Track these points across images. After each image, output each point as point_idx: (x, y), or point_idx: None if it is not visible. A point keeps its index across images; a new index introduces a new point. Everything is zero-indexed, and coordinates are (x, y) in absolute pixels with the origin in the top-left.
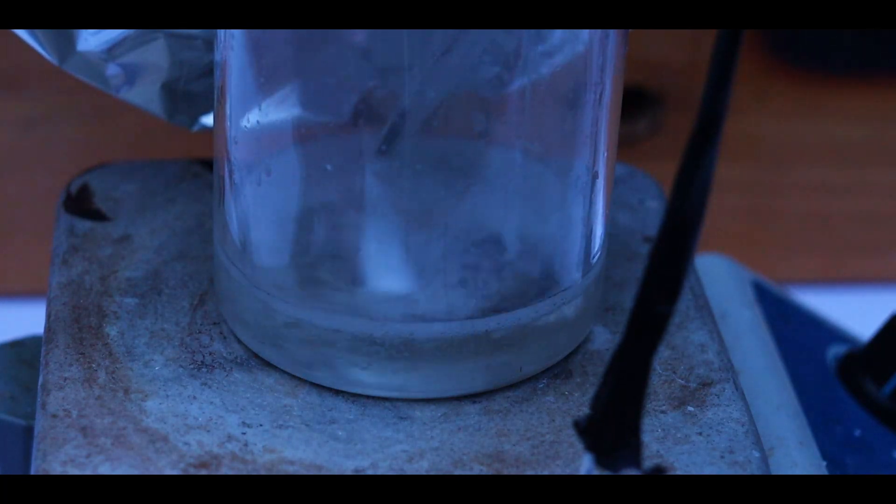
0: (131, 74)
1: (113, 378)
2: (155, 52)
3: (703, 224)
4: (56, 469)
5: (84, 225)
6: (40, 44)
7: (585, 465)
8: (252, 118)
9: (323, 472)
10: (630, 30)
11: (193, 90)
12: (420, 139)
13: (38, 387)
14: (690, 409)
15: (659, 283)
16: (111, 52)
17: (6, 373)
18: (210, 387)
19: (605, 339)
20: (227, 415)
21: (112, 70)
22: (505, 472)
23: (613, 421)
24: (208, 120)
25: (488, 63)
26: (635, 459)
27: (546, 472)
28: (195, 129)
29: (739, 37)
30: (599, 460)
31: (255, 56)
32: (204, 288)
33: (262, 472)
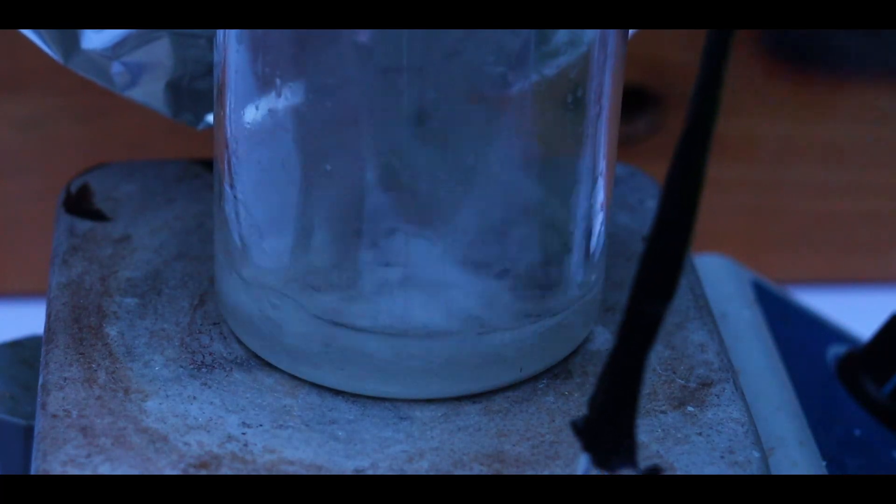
0: (136, 73)
1: (113, 378)
2: (159, 50)
3: (696, 224)
4: (56, 469)
5: (84, 225)
6: (45, 42)
7: (582, 465)
8: (252, 118)
9: (323, 472)
10: (631, 30)
11: (198, 88)
12: (420, 140)
13: (38, 387)
14: (690, 409)
15: (651, 284)
16: (115, 50)
17: (6, 373)
18: (210, 387)
19: (605, 339)
20: (227, 415)
21: (116, 68)
22: (505, 472)
23: (609, 422)
24: None
25: (490, 63)
26: (631, 460)
27: (546, 472)
28: (200, 127)
29: (730, 36)
30: (596, 460)
31: (254, 56)
32: (204, 288)
33: (262, 473)
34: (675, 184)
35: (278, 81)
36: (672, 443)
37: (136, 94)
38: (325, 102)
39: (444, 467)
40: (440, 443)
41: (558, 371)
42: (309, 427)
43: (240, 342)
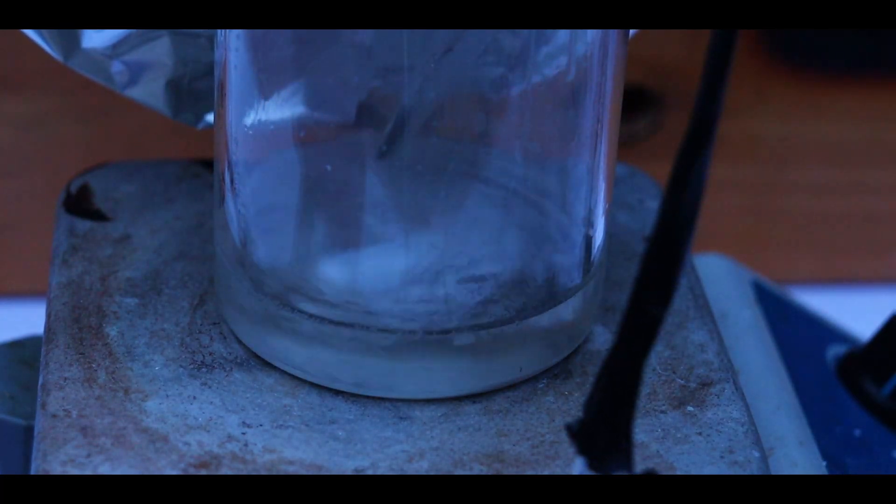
0: (136, 72)
1: (113, 378)
2: (159, 49)
3: (697, 225)
4: (56, 469)
5: (84, 225)
6: (45, 41)
7: (578, 467)
8: (252, 118)
9: (323, 472)
10: (632, 31)
11: (198, 88)
12: (421, 140)
13: (38, 387)
14: (690, 409)
15: (652, 285)
16: (115, 49)
17: (6, 373)
18: (210, 387)
19: (605, 339)
20: (227, 415)
21: (117, 67)
22: (505, 472)
23: (605, 424)
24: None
25: (490, 64)
26: (627, 463)
27: (546, 472)
28: (200, 126)
29: (734, 37)
30: (591, 464)
31: (255, 55)
32: (204, 288)
33: (262, 472)
34: (678, 185)
35: (279, 81)
36: (672, 443)
37: (136, 93)
38: (326, 102)
39: (444, 467)
40: (440, 443)
41: (558, 371)
42: (309, 427)
43: (240, 342)
